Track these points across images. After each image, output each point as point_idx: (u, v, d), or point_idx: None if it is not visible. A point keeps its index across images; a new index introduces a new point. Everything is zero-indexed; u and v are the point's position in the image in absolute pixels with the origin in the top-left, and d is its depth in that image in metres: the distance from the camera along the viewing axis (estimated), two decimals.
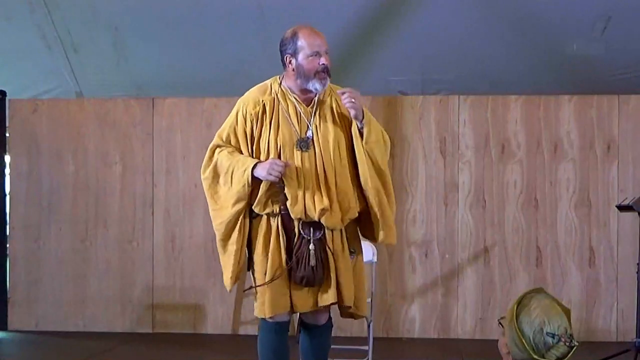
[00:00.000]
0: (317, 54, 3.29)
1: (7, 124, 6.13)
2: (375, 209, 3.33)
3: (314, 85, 3.31)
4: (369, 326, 4.44)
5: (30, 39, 6.59)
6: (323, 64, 3.29)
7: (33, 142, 6.01)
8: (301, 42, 3.31)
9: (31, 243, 5.98)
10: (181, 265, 5.90)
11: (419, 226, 5.72)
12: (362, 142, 3.29)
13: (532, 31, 6.23)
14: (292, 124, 3.30)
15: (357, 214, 3.36)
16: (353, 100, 3.23)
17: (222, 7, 6.22)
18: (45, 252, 5.97)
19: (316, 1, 5.43)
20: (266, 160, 3.28)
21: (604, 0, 5.95)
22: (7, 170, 6.14)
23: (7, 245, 6.09)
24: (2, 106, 6.12)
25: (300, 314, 3.46)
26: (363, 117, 3.28)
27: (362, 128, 3.29)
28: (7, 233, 6.09)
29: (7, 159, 6.15)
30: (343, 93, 3.25)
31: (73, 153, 5.98)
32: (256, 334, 5.58)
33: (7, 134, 6.14)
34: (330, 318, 3.48)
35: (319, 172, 3.27)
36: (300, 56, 3.30)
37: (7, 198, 6.13)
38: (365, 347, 4.37)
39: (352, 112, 3.26)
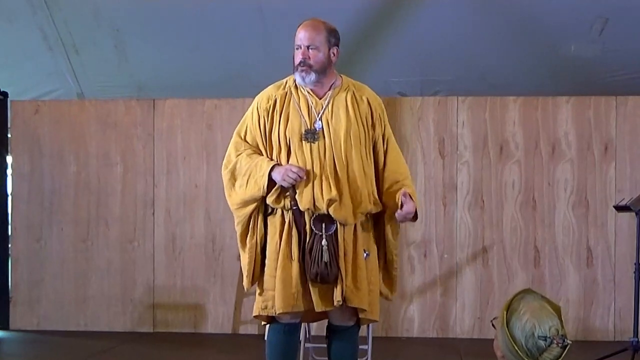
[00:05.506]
0: (299, 47, 3.29)
1: (9, 125, 6.18)
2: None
3: (297, 78, 3.30)
4: (368, 325, 4.45)
5: (32, 40, 6.60)
6: (298, 57, 3.28)
7: (35, 143, 6.04)
8: (295, 36, 3.33)
9: (33, 243, 6.02)
10: (182, 265, 5.93)
11: (417, 226, 5.71)
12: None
13: (530, 33, 6.24)
14: (302, 115, 3.26)
15: (370, 208, 3.29)
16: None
17: (222, 9, 6.23)
18: (47, 252, 6.01)
19: (316, 3, 5.44)
20: (278, 152, 3.26)
21: (601, 2, 5.96)
22: (10, 171, 6.18)
23: (9, 245, 6.12)
24: (4, 107, 6.16)
25: (328, 318, 3.38)
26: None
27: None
28: (9, 233, 6.13)
29: (9, 159, 6.19)
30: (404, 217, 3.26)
31: (74, 154, 6.01)
32: (256, 333, 5.66)
33: (9, 135, 6.19)
34: (358, 320, 3.37)
35: (328, 163, 3.21)
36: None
37: (9, 198, 6.16)
38: (365, 347, 4.37)
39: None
